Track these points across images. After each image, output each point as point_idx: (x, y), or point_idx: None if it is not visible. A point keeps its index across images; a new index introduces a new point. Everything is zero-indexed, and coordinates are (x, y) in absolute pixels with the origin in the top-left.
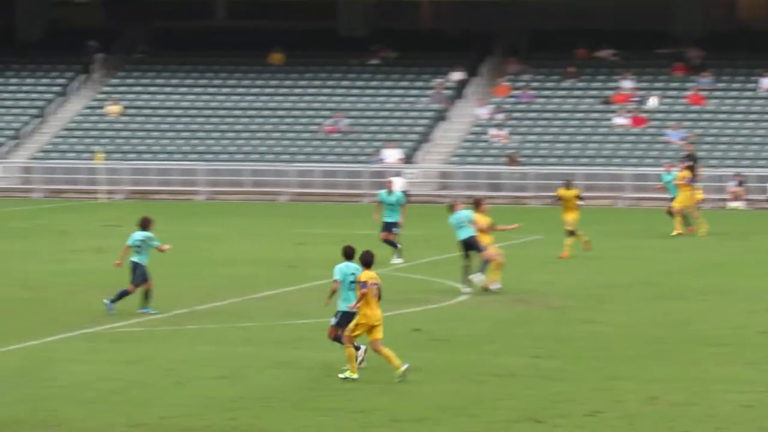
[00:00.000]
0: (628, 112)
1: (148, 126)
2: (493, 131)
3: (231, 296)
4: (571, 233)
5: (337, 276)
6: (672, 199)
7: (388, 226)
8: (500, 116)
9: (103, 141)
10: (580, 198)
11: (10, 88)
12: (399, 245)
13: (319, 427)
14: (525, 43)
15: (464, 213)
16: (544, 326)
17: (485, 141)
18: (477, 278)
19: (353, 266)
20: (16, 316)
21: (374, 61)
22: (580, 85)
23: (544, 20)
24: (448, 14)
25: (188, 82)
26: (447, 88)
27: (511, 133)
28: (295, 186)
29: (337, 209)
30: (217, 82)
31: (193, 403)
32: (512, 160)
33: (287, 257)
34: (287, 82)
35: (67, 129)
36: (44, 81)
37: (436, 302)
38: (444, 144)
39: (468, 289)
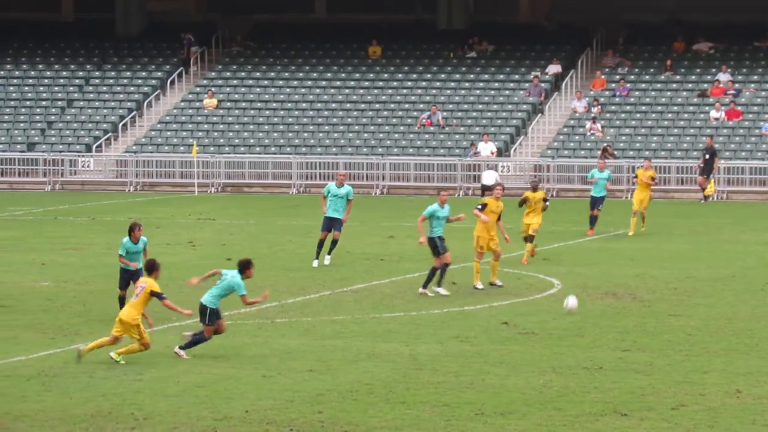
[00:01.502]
0: (724, 105)
1: (244, 119)
2: (589, 124)
3: (322, 289)
4: (531, 238)
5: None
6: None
7: (332, 223)
8: (596, 109)
9: (198, 134)
10: (545, 201)
11: (108, 81)
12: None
13: (404, 420)
14: (622, 36)
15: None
16: (632, 320)
17: (581, 134)
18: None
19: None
20: (106, 309)
21: (471, 55)
22: (677, 78)
23: (641, 13)
24: (545, 7)
25: (285, 75)
26: (543, 82)
27: (607, 126)
28: (389, 179)
29: (430, 202)
30: (314, 75)
31: (279, 397)
32: (607, 153)
33: (378, 250)
34: (384, 75)
35: (162, 122)
36: (142, 74)
37: (525, 295)
38: (539, 137)
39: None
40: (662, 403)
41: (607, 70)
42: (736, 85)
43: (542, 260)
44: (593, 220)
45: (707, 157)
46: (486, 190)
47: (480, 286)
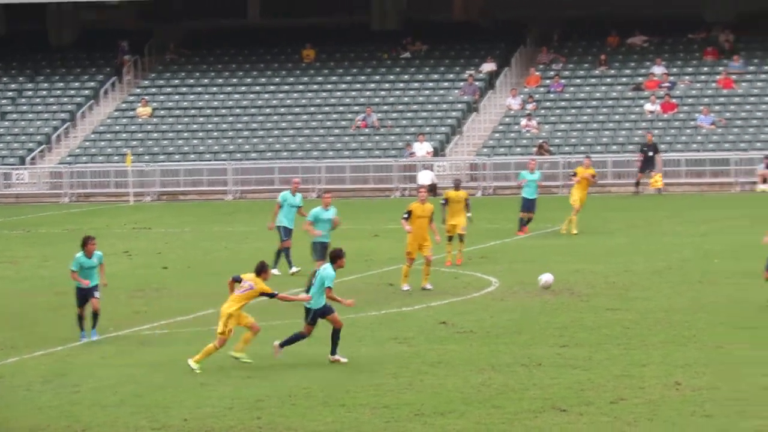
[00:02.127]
0: (659, 98)
1: (178, 127)
2: (523, 121)
3: None
4: (459, 238)
5: None
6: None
7: (288, 233)
8: (531, 106)
9: (132, 143)
10: (467, 203)
11: (41, 93)
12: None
13: (343, 423)
14: (556, 33)
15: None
16: (570, 315)
17: (516, 132)
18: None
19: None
20: (43, 322)
21: (405, 55)
22: (611, 72)
23: (575, 9)
24: (479, 5)
25: (219, 81)
26: (478, 80)
27: (542, 123)
28: (326, 183)
29: (366, 204)
30: (248, 80)
31: (218, 404)
32: (542, 150)
33: None
34: (318, 78)
35: (97, 132)
36: (75, 85)
37: (463, 294)
38: (474, 135)
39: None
40: (601, 397)
41: (541, 66)
42: (671, 78)
43: (479, 258)
44: (523, 221)
45: (649, 153)
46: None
47: (406, 287)
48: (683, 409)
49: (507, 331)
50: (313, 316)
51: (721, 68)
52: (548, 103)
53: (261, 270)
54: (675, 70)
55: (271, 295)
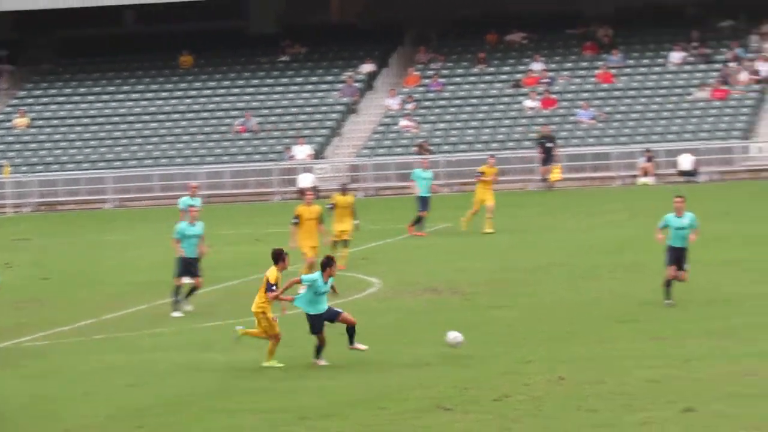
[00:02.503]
0: (539, 94)
1: (56, 137)
2: (403, 121)
3: (139, 303)
4: (344, 243)
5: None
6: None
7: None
8: (410, 106)
9: (10, 154)
10: (353, 208)
11: None
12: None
13: (227, 429)
14: (435, 32)
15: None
16: (453, 314)
17: (395, 132)
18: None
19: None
20: None
21: (284, 58)
22: (490, 70)
23: (453, 8)
24: (357, 7)
25: (96, 90)
26: (357, 81)
27: (422, 122)
28: (206, 188)
29: (247, 209)
30: (125, 88)
31: (100, 413)
32: (423, 149)
33: None
34: (196, 84)
35: None
36: None
37: (345, 296)
38: (354, 137)
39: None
40: (486, 395)
41: (420, 66)
42: (550, 74)
43: (361, 260)
44: (419, 220)
45: (547, 145)
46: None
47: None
48: (567, 404)
49: (391, 332)
50: (313, 323)
51: (600, 63)
52: (428, 103)
53: (276, 258)
54: (554, 65)
55: (268, 288)
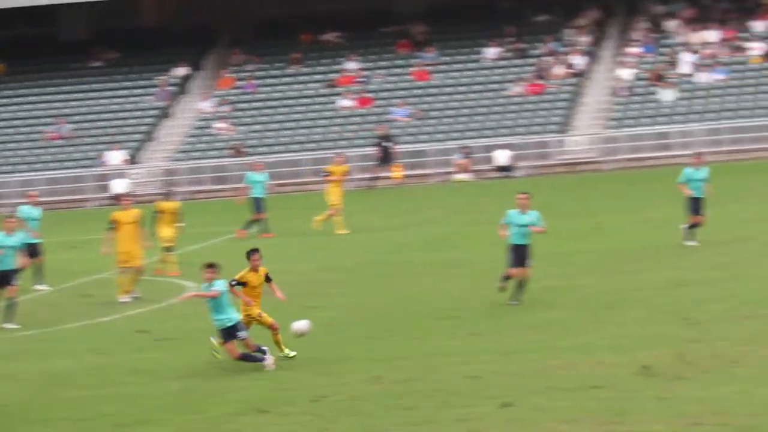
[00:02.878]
0: (354, 93)
1: None
2: (217, 124)
3: None
4: (167, 249)
5: None
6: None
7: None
8: (224, 108)
9: None
10: (178, 213)
11: None
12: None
13: None
14: (248, 34)
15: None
16: (271, 315)
17: (210, 135)
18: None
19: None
20: None
21: (96, 64)
22: (305, 70)
23: (266, 9)
24: (170, 10)
25: None
26: (171, 85)
27: (237, 125)
28: (17, 197)
29: (61, 216)
30: None
31: None
32: (238, 152)
33: None
34: (7, 92)
35: None
36: None
37: (160, 301)
38: (169, 141)
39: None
40: (302, 396)
41: (234, 68)
42: (365, 73)
43: (180, 264)
44: (252, 223)
45: (384, 144)
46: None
47: (125, 299)
48: (385, 403)
49: (205, 336)
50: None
51: (414, 60)
52: (243, 105)
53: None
54: (369, 64)
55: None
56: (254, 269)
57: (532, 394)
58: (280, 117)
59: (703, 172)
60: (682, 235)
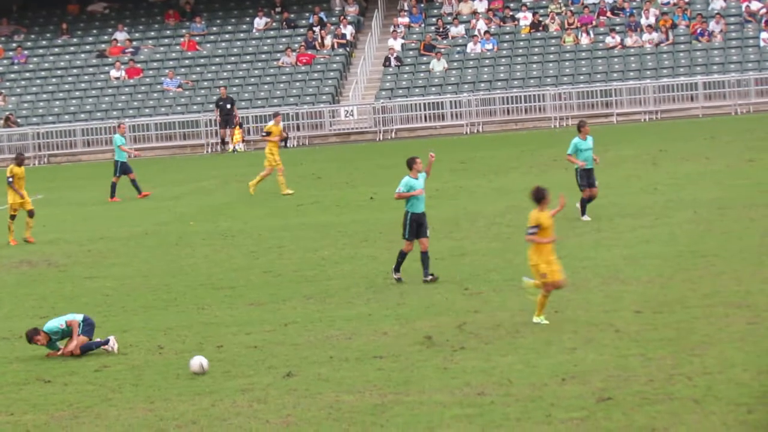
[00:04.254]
0: (124, 64)
1: None
2: None
3: None
4: (29, 213)
5: None
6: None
7: None
8: None
9: None
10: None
11: None
12: None
13: None
14: (15, 4)
15: None
16: (49, 286)
17: None
18: None
19: None
20: None
21: None
22: (74, 41)
23: None
24: None
25: None
26: None
27: (8, 95)
28: None
29: None
30: None
31: None
32: (10, 122)
33: None
34: None
35: None
36: None
37: None
38: None
39: None
40: (85, 366)
41: (2, 39)
42: (134, 43)
43: None
44: (115, 186)
45: (227, 107)
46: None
47: None
48: (167, 372)
49: None
50: None
51: (183, 31)
52: (13, 75)
53: (538, 198)
54: (138, 35)
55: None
56: None
57: (314, 365)
58: (51, 87)
59: (589, 142)
60: (580, 211)
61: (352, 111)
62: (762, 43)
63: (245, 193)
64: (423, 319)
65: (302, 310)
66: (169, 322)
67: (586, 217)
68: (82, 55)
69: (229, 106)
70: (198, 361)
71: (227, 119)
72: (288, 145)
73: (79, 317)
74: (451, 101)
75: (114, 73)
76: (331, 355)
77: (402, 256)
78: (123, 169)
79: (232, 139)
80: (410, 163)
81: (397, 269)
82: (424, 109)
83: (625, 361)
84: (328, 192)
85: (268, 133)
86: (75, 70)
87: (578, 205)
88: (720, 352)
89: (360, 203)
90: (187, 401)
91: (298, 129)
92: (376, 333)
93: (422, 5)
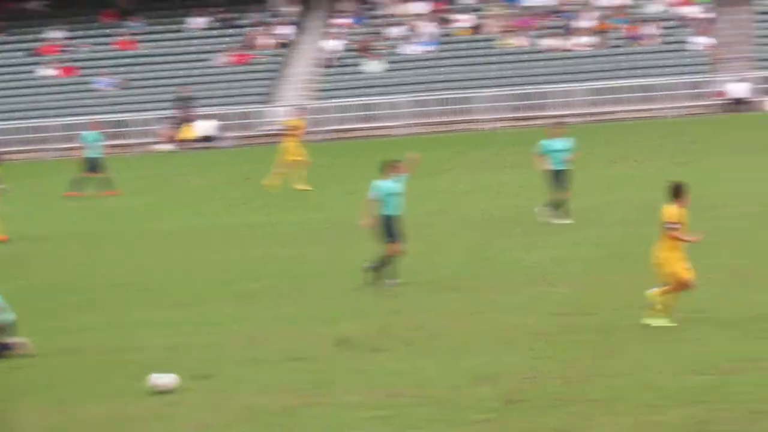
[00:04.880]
0: (59, 62)
1: None
2: None
3: None
4: None
5: None
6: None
7: None
8: None
9: None
10: None
11: None
12: None
13: None
14: None
15: None
16: None
17: None
18: None
19: None
20: None
21: None
22: (9, 39)
23: None
24: None
25: None
26: None
27: None
28: None
29: None
30: None
31: None
32: None
33: None
34: None
35: None
36: None
37: None
38: None
39: None
40: None
41: None
42: (70, 42)
43: None
44: (85, 181)
45: (186, 105)
46: None
47: None
48: (81, 375)
49: None
50: None
51: (120, 30)
52: None
53: (677, 193)
54: (74, 33)
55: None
56: None
57: (233, 366)
58: None
59: (563, 143)
60: (537, 214)
61: (284, 112)
62: (694, 47)
63: (170, 194)
64: (346, 320)
65: (225, 310)
66: (88, 323)
67: (558, 220)
68: (17, 54)
69: (188, 104)
70: (164, 380)
71: (184, 117)
72: (218, 145)
73: None
74: (386, 102)
75: (48, 71)
76: (250, 356)
77: (387, 260)
78: (92, 165)
79: (181, 134)
80: (386, 166)
81: (390, 276)
82: (359, 111)
83: (542, 363)
84: (260, 192)
85: (292, 128)
86: (8, 69)
87: (543, 207)
88: (637, 354)
89: (291, 204)
90: (101, 404)
91: (231, 130)
92: (297, 334)
93: (361, 6)
